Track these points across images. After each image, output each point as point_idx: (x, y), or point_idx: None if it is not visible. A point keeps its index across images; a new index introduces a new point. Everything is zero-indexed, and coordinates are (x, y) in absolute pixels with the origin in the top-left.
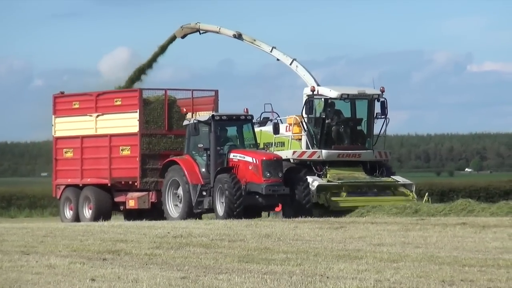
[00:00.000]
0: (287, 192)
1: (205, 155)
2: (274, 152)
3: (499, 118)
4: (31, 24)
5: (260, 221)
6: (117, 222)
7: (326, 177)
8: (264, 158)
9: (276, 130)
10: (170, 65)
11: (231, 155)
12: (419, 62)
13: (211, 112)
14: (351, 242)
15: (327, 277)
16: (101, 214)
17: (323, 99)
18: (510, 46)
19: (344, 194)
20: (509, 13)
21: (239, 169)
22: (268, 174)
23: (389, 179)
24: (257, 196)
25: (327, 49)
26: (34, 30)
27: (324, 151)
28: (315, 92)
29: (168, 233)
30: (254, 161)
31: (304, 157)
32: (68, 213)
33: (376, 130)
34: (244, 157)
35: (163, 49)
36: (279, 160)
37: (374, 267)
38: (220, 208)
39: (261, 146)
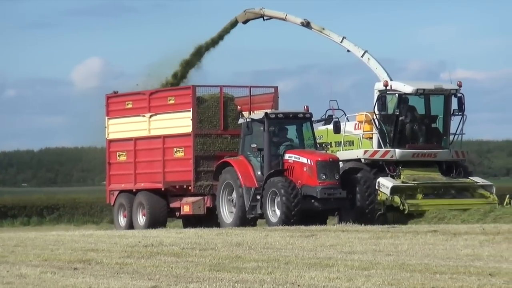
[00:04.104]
0: (343, 196)
1: (260, 156)
2: (334, 153)
3: (471, 126)
4: (3, 34)
5: (231, 230)
6: (88, 231)
7: (400, 178)
8: (319, 159)
9: (337, 129)
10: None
11: (287, 156)
12: (392, 70)
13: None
14: (322, 250)
15: (298, 285)
16: (156, 221)
17: (396, 95)
18: (481, 54)
19: (420, 196)
20: (480, 22)
21: (294, 171)
22: (324, 176)
23: (468, 180)
24: (312, 200)
25: (298, 57)
26: (6, 40)
27: (397, 151)
28: (388, 87)
29: (139, 242)
30: (309, 162)
31: (376, 156)
32: (122, 221)
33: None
34: (299, 158)
35: (222, 34)
36: (335, 161)
37: (345, 275)
38: (271, 214)
39: (332, 145)
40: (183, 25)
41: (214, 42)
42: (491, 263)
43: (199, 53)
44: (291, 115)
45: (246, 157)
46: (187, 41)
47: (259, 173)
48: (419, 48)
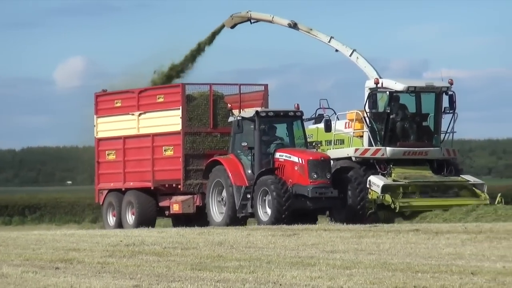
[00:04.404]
0: (335, 195)
1: (250, 154)
2: (325, 152)
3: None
4: None
5: (213, 229)
6: (70, 231)
7: (391, 176)
8: (310, 158)
9: (328, 127)
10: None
11: (277, 155)
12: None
13: (260, 108)
14: (304, 249)
15: (280, 285)
16: (145, 220)
17: (387, 93)
18: (463, 53)
19: (415, 195)
20: (463, 21)
21: (285, 170)
22: (315, 176)
23: (459, 179)
24: (303, 199)
25: (280, 56)
26: None
27: (388, 149)
28: (379, 85)
29: (121, 241)
30: (300, 161)
31: (367, 155)
32: (111, 220)
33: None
34: (290, 157)
35: (210, 40)
36: (326, 160)
37: (327, 274)
38: (262, 213)
39: (323, 144)
40: (166, 24)
41: (201, 49)
42: (473, 262)
43: (183, 65)
44: (282, 114)
45: (236, 155)
46: (174, 41)
47: (249, 171)
48: (401, 47)
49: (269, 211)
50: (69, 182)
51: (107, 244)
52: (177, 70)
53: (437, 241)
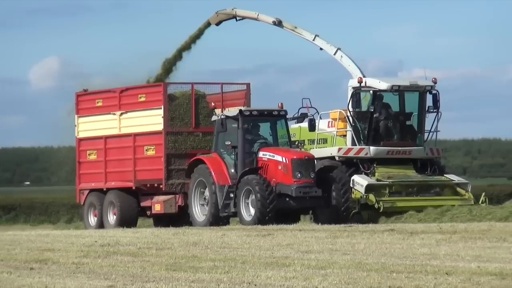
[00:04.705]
0: (319, 194)
1: (233, 153)
2: (309, 151)
3: (428, 125)
4: None
5: (188, 229)
6: (45, 231)
7: (375, 176)
8: (294, 157)
9: (312, 127)
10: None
11: (261, 154)
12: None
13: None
14: (279, 250)
15: (255, 285)
16: (126, 220)
17: (371, 92)
18: (437, 54)
19: (386, 194)
20: (437, 21)
21: (268, 169)
22: (299, 175)
23: (443, 178)
24: (287, 199)
25: (256, 57)
26: None
27: (372, 148)
28: (363, 84)
29: (96, 241)
30: (284, 161)
31: (351, 154)
32: (93, 220)
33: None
34: (274, 156)
35: (196, 37)
36: (311, 159)
37: (302, 274)
38: (246, 212)
39: (306, 143)
40: (141, 25)
41: (187, 45)
42: (447, 262)
43: (171, 63)
44: (265, 113)
45: (220, 154)
46: (154, 41)
47: (232, 170)
48: (376, 47)
49: (252, 211)
50: (27, 182)
51: (81, 244)
52: (171, 64)
53: (412, 241)
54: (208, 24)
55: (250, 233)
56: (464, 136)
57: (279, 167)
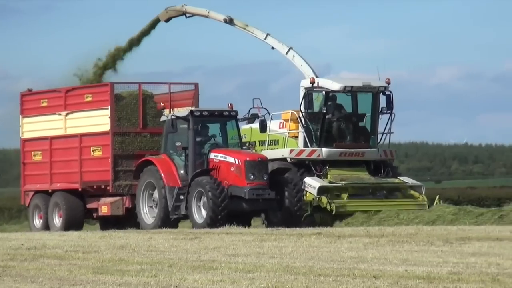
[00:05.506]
0: (272, 196)
1: (183, 155)
2: (260, 152)
3: None
4: None
5: (115, 232)
6: None
7: (327, 178)
8: (247, 159)
9: (263, 127)
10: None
11: (212, 155)
12: (278, 72)
13: (191, 107)
14: (206, 253)
15: None
16: (72, 222)
17: (323, 92)
18: (364, 56)
19: (345, 196)
20: (364, 24)
21: (220, 171)
22: (252, 177)
23: (397, 180)
24: (240, 201)
25: (183, 59)
26: None
27: (324, 150)
28: (315, 85)
29: (22, 244)
30: (237, 162)
31: (303, 156)
32: (38, 222)
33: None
34: (226, 158)
35: (144, 34)
36: (264, 161)
37: (229, 278)
38: (197, 215)
39: (256, 145)
40: (72, 28)
41: (132, 44)
42: (375, 266)
43: (117, 56)
44: (216, 113)
45: (169, 155)
46: (84, 44)
47: (182, 172)
48: (305, 50)
49: (204, 213)
50: None
51: (8, 247)
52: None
53: (339, 245)
54: (157, 21)
55: (177, 236)
56: (391, 140)
57: (232, 169)
